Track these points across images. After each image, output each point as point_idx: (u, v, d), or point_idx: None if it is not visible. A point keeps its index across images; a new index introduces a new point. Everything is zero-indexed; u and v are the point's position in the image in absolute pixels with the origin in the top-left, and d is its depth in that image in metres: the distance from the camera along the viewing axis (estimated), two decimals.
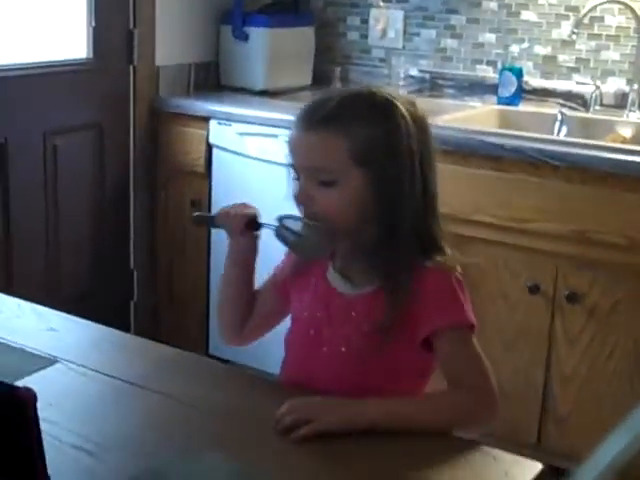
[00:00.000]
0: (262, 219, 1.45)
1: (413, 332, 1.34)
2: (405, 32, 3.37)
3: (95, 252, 3.01)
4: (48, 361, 1.41)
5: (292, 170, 1.38)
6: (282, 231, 1.37)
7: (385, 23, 3.40)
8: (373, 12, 3.41)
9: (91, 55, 2.91)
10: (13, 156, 2.67)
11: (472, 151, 2.57)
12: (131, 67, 3.04)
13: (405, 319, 1.33)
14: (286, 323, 1.52)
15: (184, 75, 3.24)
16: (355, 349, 1.36)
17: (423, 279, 1.33)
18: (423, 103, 3.13)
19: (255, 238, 1.47)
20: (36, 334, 1.53)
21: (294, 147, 1.37)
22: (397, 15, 3.37)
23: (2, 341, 1.49)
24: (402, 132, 1.32)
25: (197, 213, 1.64)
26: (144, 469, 1.12)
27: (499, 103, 3.10)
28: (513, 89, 3.07)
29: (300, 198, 1.35)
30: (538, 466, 1.19)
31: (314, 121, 1.33)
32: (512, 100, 3.08)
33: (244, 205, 1.47)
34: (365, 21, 3.44)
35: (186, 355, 1.52)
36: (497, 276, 2.59)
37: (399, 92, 1.37)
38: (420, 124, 1.36)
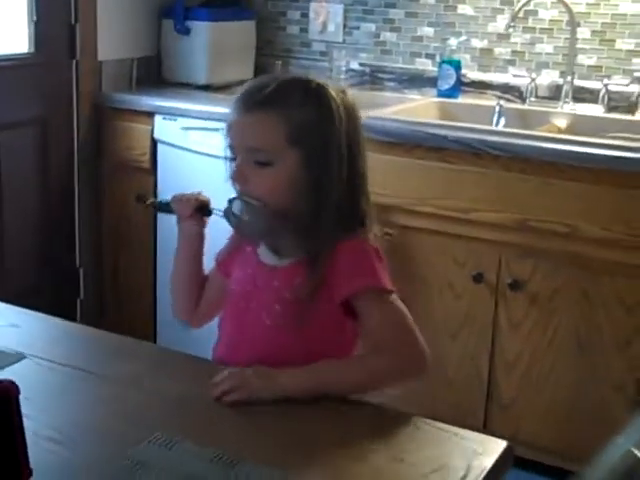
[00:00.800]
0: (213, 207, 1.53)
1: (331, 298, 1.41)
2: (345, 26, 3.41)
3: (41, 248, 2.99)
4: (15, 357, 1.42)
5: (229, 151, 1.44)
6: (228, 212, 1.44)
7: (325, 17, 3.44)
8: (313, 6, 3.45)
9: (32, 49, 2.89)
10: None
11: (416, 142, 2.63)
12: (74, 62, 3.03)
13: (323, 287, 1.40)
14: None
15: (126, 70, 3.23)
16: (278, 317, 1.43)
17: (341, 250, 1.41)
18: (364, 96, 3.23)
19: (202, 223, 1.55)
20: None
21: (232, 128, 1.43)
22: (337, 9, 3.41)
23: None
24: (334, 117, 1.40)
25: (152, 200, 1.67)
26: (126, 458, 1.14)
27: (439, 96, 3.17)
28: (452, 82, 3.14)
29: (235, 177, 1.42)
30: (502, 443, 1.24)
31: (253, 103, 1.40)
32: (451, 93, 3.15)
33: (198, 193, 1.56)
34: (305, 15, 3.47)
35: (145, 345, 1.57)
36: (443, 266, 2.65)
37: (333, 83, 1.48)
38: (350, 110, 1.45)
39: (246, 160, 1.40)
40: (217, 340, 1.55)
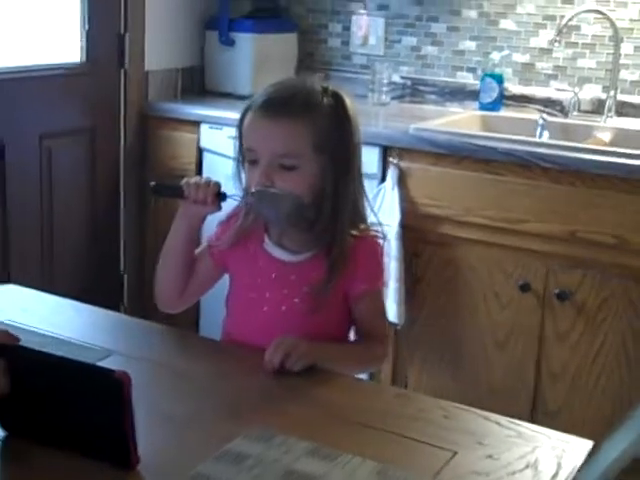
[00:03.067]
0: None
1: (346, 292, 1.58)
2: (386, 39, 3.45)
3: (87, 254, 3.02)
4: (102, 353, 1.45)
5: (247, 153, 1.52)
6: (252, 199, 1.51)
7: (366, 30, 3.48)
8: (354, 19, 3.49)
9: (84, 59, 2.93)
10: (10, 158, 2.68)
11: (465, 154, 2.66)
12: (122, 71, 3.07)
13: (340, 281, 1.55)
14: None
15: (171, 80, 3.27)
16: (295, 307, 1.56)
17: (356, 246, 1.56)
18: (405, 109, 3.26)
19: (219, 208, 1.58)
20: (82, 328, 1.57)
21: (259, 132, 1.51)
22: (378, 22, 3.45)
23: (53, 335, 1.51)
24: (352, 123, 1.54)
25: (155, 182, 1.67)
26: (224, 452, 1.17)
27: (481, 109, 3.20)
28: (494, 95, 3.17)
29: (262, 179, 1.49)
30: (589, 443, 1.26)
31: (281, 111, 1.49)
32: (494, 106, 3.17)
33: (208, 178, 1.58)
34: (347, 28, 3.51)
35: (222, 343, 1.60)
36: (489, 276, 2.68)
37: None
38: (357, 115, 1.57)
39: (271, 164, 1.49)
40: (226, 321, 1.67)
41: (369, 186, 2.71)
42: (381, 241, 1.61)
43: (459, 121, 3.05)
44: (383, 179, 2.76)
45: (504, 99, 3.20)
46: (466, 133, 2.73)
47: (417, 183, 2.72)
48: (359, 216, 1.58)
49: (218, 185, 1.55)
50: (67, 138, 2.90)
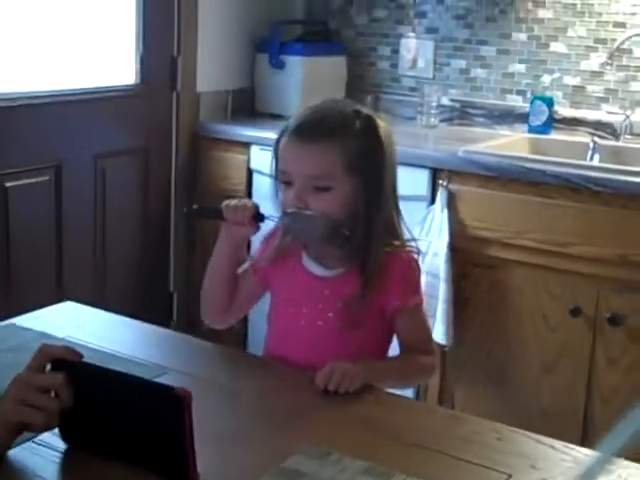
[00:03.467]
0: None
1: (382, 308, 1.60)
2: (435, 62, 3.46)
3: (138, 272, 3.07)
4: (158, 370, 1.47)
5: (281, 175, 1.57)
6: (289, 222, 1.56)
7: (415, 53, 3.49)
8: (403, 42, 3.51)
9: (138, 81, 2.99)
10: (67, 177, 2.74)
11: (514, 177, 2.65)
12: (174, 93, 3.12)
13: (375, 297, 1.58)
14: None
15: (222, 101, 3.32)
16: (331, 322, 1.59)
17: (390, 263, 1.59)
18: (454, 132, 3.26)
19: (257, 229, 1.62)
20: (137, 345, 1.60)
21: (292, 155, 1.56)
22: (427, 45, 3.47)
23: (110, 352, 1.54)
24: (384, 145, 1.58)
25: (197, 205, 1.73)
26: (281, 470, 1.18)
27: (530, 132, 3.19)
28: (544, 118, 3.17)
29: (296, 201, 1.54)
30: None
31: (314, 134, 1.53)
32: (543, 129, 3.17)
33: (245, 199, 1.63)
34: (396, 51, 3.53)
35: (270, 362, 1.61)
36: (538, 299, 2.66)
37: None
38: (390, 137, 1.61)
39: (305, 185, 1.54)
40: (268, 336, 1.72)
41: (418, 208, 2.78)
42: (416, 256, 1.64)
43: (508, 144, 3.05)
44: (432, 201, 2.77)
45: (554, 122, 3.19)
46: (515, 156, 2.73)
47: (466, 205, 2.72)
48: (393, 233, 1.62)
49: (256, 207, 1.59)
50: (121, 158, 2.95)
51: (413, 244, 1.65)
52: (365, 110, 1.60)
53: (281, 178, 1.58)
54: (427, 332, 1.70)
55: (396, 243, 1.62)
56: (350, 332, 1.59)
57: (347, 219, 1.55)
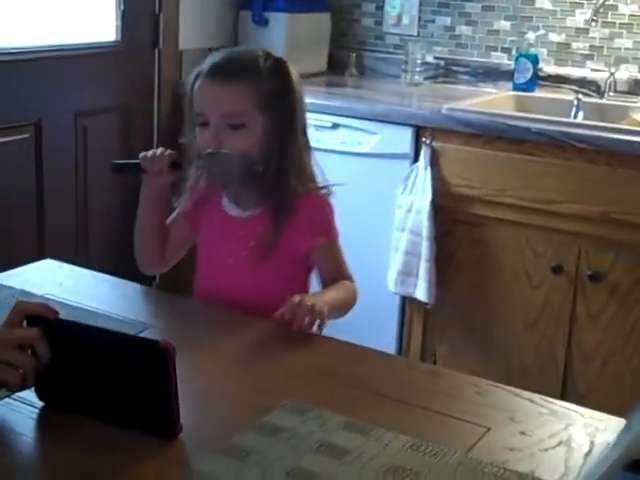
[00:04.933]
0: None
1: (294, 247, 1.67)
2: (420, 19, 3.43)
3: (121, 230, 3.04)
4: (139, 327, 1.47)
5: (198, 117, 1.62)
6: (206, 163, 1.60)
7: (400, 10, 3.46)
8: None
9: (119, 38, 2.95)
10: (47, 135, 2.70)
11: (497, 134, 2.65)
12: (156, 50, 3.08)
13: (285, 237, 1.65)
14: None
15: (204, 59, 3.27)
16: (242, 260, 1.67)
17: (302, 203, 1.66)
18: (438, 89, 3.24)
19: (174, 177, 1.67)
20: (117, 302, 1.60)
21: (207, 95, 1.62)
22: (412, 2, 3.43)
23: (90, 309, 1.54)
24: (294, 87, 1.65)
25: (115, 161, 1.75)
26: (261, 425, 1.18)
27: (515, 89, 3.18)
28: (529, 75, 3.15)
29: (212, 140, 1.59)
30: (622, 421, 1.26)
31: (227, 74, 1.61)
32: (528, 86, 3.16)
33: (163, 149, 1.67)
34: (380, 8, 3.50)
35: (250, 319, 1.59)
36: (521, 256, 2.67)
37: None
38: (299, 80, 1.67)
39: (220, 124, 1.59)
40: (196, 277, 1.77)
41: (401, 166, 2.77)
42: (327, 197, 1.70)
43: (493, 101, 3.04)
44: (416, 159, 2.76)
45: (539, 79, 3.18)
46: (499, 113, 2.72)
47: (449, 163, 2.72)
48: (306, 175, 1.68)
49: (172, 155, 1.65)
50: (102, 116, 2.92)
51: (326, 186, 1.70)
52: (274, 53, 1.67)
53: (197, 120, 1.63)
54: (344, 263, 1.74)
55: (309, 185, 1.68)
56: (261, 270, 1.66)
57: (260, 157, 1.62)
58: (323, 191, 1.71)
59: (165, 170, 1.64)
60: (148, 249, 1.76)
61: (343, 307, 1.68)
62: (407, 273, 2.76)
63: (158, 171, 1.64)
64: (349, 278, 1.74)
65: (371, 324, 2.88)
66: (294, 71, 1.67)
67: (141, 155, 1.66)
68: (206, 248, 1.75)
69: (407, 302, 2.87)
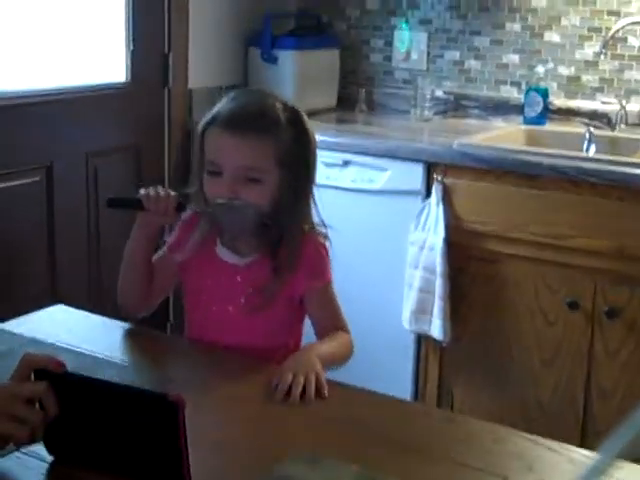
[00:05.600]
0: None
1: (291, 292, 1.64)
2: (429, 54, 3.43)
3: None
4: (153, 375, 1.45)
5: (210, 165, 1.58)
6: (219, 213, 1.57)
7: (409, 45, 3.46)
8: (397, 34, 3.48)
9: (129, 79, 2.96)
10: (58, 177, 2.70)
11: (508, 169, 2.63)
12: (166, 90, 3.09)
13: (284, 282, 1.62)
14: None
15: (215, 97, 3.25)
16: (241, 308, 1.62)
17: (302, 249, 1.63)
18: (448, 124, 3.23)
19: (177, 219, 1.67)
20: (130, 350, 1.58)
21: (226, 146, 1.57)
22: (421, 37, 3.44)
23: (102, 357, 1.52)
24: (310, 139, 1.63)
25: (113, 196, 1.72)
26: (272, 474, 1.16)
27: (525, 123, 3.16)
28: (539, 109, 3.14)
29: (227, 191, 1.55)
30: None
31: (249, 128, 1.56)
32: (538, 120, 3.14)
33: (165, 189, 1.64)
34: (389, 43, 3.50)
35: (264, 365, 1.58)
36: (536, 293, 2.64)
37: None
38: (313, 129, 1.66)
39: (236, 177, 1.56)
40: (187, 323, 1.74)
41: (413, 202, 2.76)
42: (323, 239, 1.68)
43: (503, 136, 3.03)
44: (428, 195, 2.75)
45: (549, 113, 3.17)
46: (510, 148, 2.70)
47: (462, 199, 2.70)
48: (306, 219, 1.67)
49: (177, 197, 1.62)
50: (113, 156, 2.92)
51: (322, 228, 1.68)
52: (289, 102, 1.64)
53: (208, 167, 1.59)
54: (338, 309, 1.70)
55: (305, 227, 1.66)
56: (260, 316, 1.63)
57: (271, 210, 1.59)
58: (319, 233, 1.68)
59: (170, 211, 1.61)
60: (136, 290, 1.70)
61: (338, 361, 1.63)
62: (421, 311, 2.74)
63: (162, 212, 1.61)
64: (344, 327, 1.69)
65: (386, 362, 2.86)
66: (309, 122, 1.65)
67: (142, 192, 1.62)
68: (197, 294, 1.69)
69: (422, 340, 2.84)
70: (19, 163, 2.61)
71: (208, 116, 1.62)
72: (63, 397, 1.15)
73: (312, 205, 1.67)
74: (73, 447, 1.18)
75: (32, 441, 1.16)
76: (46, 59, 2.70)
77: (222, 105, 1.62)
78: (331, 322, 1.68)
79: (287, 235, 1.62)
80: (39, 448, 1.19)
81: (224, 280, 1.65)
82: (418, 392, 2.85)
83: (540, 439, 1.30)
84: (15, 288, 2.58)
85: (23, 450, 1.19)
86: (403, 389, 2.83)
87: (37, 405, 1.15)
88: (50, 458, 1.19)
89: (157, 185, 1.65)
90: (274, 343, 1.65)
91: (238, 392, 1.44)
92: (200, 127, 1.63)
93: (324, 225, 1.68)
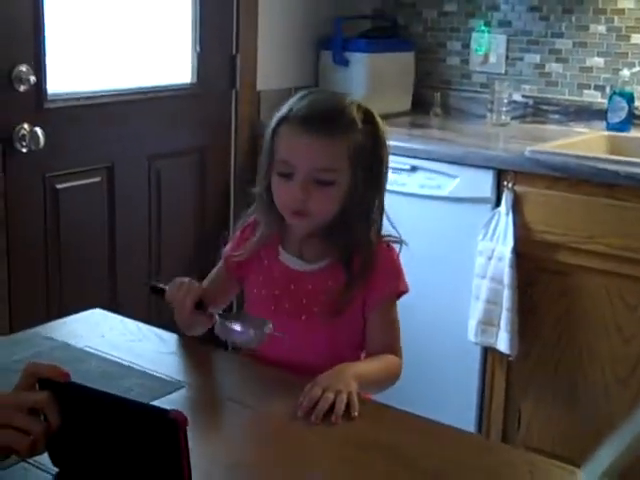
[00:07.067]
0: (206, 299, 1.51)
1: (364, 299, 1.56)
2: (508, 57, 3.31)
3: (195, 273, 3.00)
4: (173, 385, 1.38)
5: (282, 165, 1.51)
6: (224, 324, 1.46)
7: (487, 48, 3.34)
8: (475, 36, 3.36)
9: (195, 80, 2.92)
10: (119, 179, 2.68)
11: (583, 178, 2.49)
12: (233, 92, 3.05)
13: (360, 289, 1.55)
14: None
15: (284, 99, 3.21)
16: (315, 315, 1.54)
17: (376, 256, 1.56)
18: (526, 130, 3.10)
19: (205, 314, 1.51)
20: (159, 358, 1.52)
21: (302, 147, 1.50)
22: (500, 39, 3.31)
23: (127, 364, 1.47)
24: (383, 139, 1.56)
25: (153, 283, 1.61)
26: None
27: (608, 129, 3.01)
28: (623, 114, 2.98)
29: (300, 194, 1.49)
30: None
31: (325, 128, 1.49)
32: (622, 126, 2.98)
33: (189, 283, 1.52)
34: (466, 46, 3.39)
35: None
36: (611, 307, 2.49)
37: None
38: (386, 130, 1.59)
39: (308, 179, 1.49)
40: None
41: (482, 211, 2.64)
42: (397, 246, 1.61)
43: (583, 142, 2.87)
44: (497, 204, 2.63)
45: (634, 119, 3.00)
46: (584, 155, 2.55)
47: (533, 208, 2.57)
48: (378, 224, 1.61)
49: (197, 293, 1.50)
50: (177, 159, 2.88)
51: (394, 234, 1.61)
52: (362, 104, 1.57)
53: (279, 168, 1.52)
54: (397, 332, 1.62)
55: (378, 232, 1.60)
56: (333, 324, 1.55)
57: (340, 213, 1.53)
58: (393, 239, 1.61)
59: (188, 307, 1.48)
60: (192, 331, 1.60)
61: (379, 385, 1.54)
62: (488, 322, 2.62)
63: (180, 305, 1.50)
64: (397, 352, 1.59)
65: (451, 374, 2.76)
66: (382, 123, 1.58)
67: (171, 284, 1.53)
68: (263, 303, 1.59)
69: (489, 353, 2.72)
70: (80, 163, 2.59)
71: (279, 114, 1.56)
72: (66, 407, 1.09)
73: (384, 210, 1.60)
74: (77, 459, 1.13)
75: (34, 452, 1.11)
76: (112, 60, 2.68)
77: (294, 103, 1.55)
78: (387, 342, 1.59)
79: (360, 239, 1.56)
80: (45, 459, 1.14)
81: (294, 288, 1.57)
82: (483, 406, 2.73)
83: (579, 471, 1.19)
84: (76, 291, 2.56)
85: (30, 460, 1.15)
86: (468, 403, 2.72)
87: (41, 416, 1.10)
88: (55, 469, 1.14)
89: (186, 278, 1.54)
90: (350, 352, 1.58)
91: (264, 407, 1.36)
92: (272, 125, 1.56)
93: (396, 231, 1.61)
